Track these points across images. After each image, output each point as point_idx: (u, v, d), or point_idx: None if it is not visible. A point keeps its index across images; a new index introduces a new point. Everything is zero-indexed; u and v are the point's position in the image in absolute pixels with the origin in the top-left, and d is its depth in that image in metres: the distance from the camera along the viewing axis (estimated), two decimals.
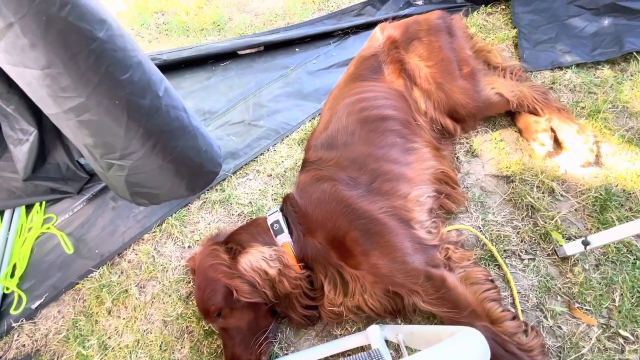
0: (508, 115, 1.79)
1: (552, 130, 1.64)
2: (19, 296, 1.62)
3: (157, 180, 1.55)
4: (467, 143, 1.75)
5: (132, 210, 1.79)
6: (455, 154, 1.71)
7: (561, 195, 1.54)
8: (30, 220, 1.84)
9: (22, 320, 1.57)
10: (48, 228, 1.80)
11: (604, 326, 1.26)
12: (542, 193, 1.55)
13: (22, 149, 1.65)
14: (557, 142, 1.65)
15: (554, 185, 1.55)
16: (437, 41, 1.64)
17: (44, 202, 1.88)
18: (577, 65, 1.93)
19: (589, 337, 1.25)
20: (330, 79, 2.15)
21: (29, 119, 1.56)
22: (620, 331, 1.24)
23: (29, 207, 1.88)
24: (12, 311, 1.59)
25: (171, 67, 2.31)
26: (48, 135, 1.73)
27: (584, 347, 1.23)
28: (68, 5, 1.03)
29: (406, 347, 0.80)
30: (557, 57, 1.97)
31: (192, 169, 1.64)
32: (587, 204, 1.50)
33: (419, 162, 1.45)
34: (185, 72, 2.35)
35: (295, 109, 2.06)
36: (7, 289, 1.65)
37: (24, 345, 1.52)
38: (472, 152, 1.72)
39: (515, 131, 1.76)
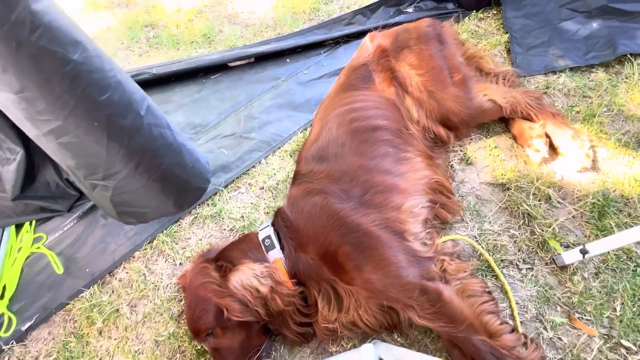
0: (502, 122, 1.77)
1: (547, 135, 1.61)
2: (9, 318, 1.59)
3: (143, 199, 1.52)
4: (461, 151, 1.73)
5: (122, 228, 1.76)
6: (449, 162, 1.69)
7: (558, 202, 1.51)
8: (20, 240, 1.81)
9: (12, 343, 1.53)
10: (38, 248, 1.77)
11: (605, 337, 1.23)
12: (539, 200, 1.52)
13: (10, 169, 1.63)
14: (552, 148, 1.62)
15: (551, 192, 1.52)
16: (427, 49, 1.62)
17: (34, 221, 1.86)
18: (571, 69, 1.91)
19: (590, 348, 1.22)
20: (322, 89, 2.13)
21: (15, 138, 1.54)
22: (622, 341, 1.21)
23: (18, 227, 1.86)
24: (1, 334, 1.55)
25: (161, 81, 2.30)
26: (36, 154, 1.71)
27: (585, 358, 1.20)
28: (39, 29, 1.01)
29: None
30: (550, 61, 1.95)
31: (179, 186, 1.61)
32: (584, 210, 1.47)
33: (412, 172, 1.42)
34: (176, 86, 2.34)
35: (286, 120, 2.05)
36: None
37: None
38: (467, 160, 1.69)
39: (510, 138, 1.73)
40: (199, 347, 1.41)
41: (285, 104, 2.13)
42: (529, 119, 1.65)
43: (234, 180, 1.85)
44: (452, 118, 1.59)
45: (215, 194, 1.81)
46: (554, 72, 1.93)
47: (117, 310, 1.55)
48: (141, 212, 1.57)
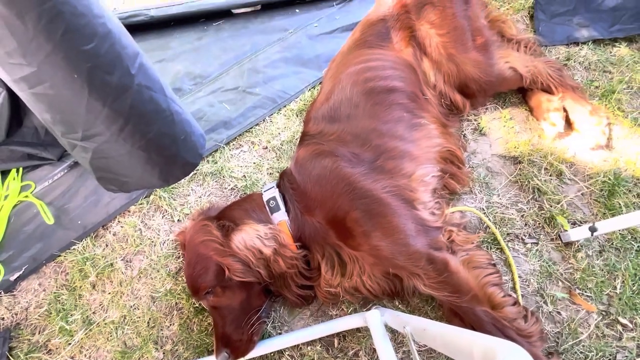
0: (519, 92, 1.70)
1: (564, 110, 1.56)
2: None
3: (126, 167, 1.40)
4: (475, 120, 1.66)
5: None
6: (463, 131, 1.63)
7: (569, 178, 1.48)
8: (6, 188, 1.72)
9: (0, 293, 1.48)
10: (26, 196, 1.68)
11: (603, 313, 1.25)
12: (550, 175, 1.49)
13: None
14: (568, 123, 1.57)
15: (563, 168, 1.49)
16: (450, 7, 1.50)
17: (20, 169, 1.75)
18: (594, 41, 1.82)
19: (587, 323, 1.24)
20: (333, 44, 2.00)
21: None
22: (620, 318, 1.23)
23: (4, 174, 1.76)
24: None
25: (159, 25, 2.13)
26: None
27: (582, 333, 1.22)
28: None
29: (414, 341, 0.75)
30: (573, 31, 1.85)
31: (166, 158, 1.47)
32: (594, 188, 1.45)
33: (425, 140, 1.36)
34: (175, 31, 2.17)
35: (293, 77, 1.93)
36: None
37: (2, 319, 1.45)
38: (480, 130, 1.63)
39: (526, 109, 1.67)
40: (197, 305, 1.39)
41: (293, 59, 2.00)
42: (547, 91, 1.59)
43: (235, 138, 1.76)
44: (470, 84, 1.51)
45: (216, 150, 1.73)
46: (576, 44, 1.84)
47: (112, 264, 1.50)
48: (122, 180, 1.46)
